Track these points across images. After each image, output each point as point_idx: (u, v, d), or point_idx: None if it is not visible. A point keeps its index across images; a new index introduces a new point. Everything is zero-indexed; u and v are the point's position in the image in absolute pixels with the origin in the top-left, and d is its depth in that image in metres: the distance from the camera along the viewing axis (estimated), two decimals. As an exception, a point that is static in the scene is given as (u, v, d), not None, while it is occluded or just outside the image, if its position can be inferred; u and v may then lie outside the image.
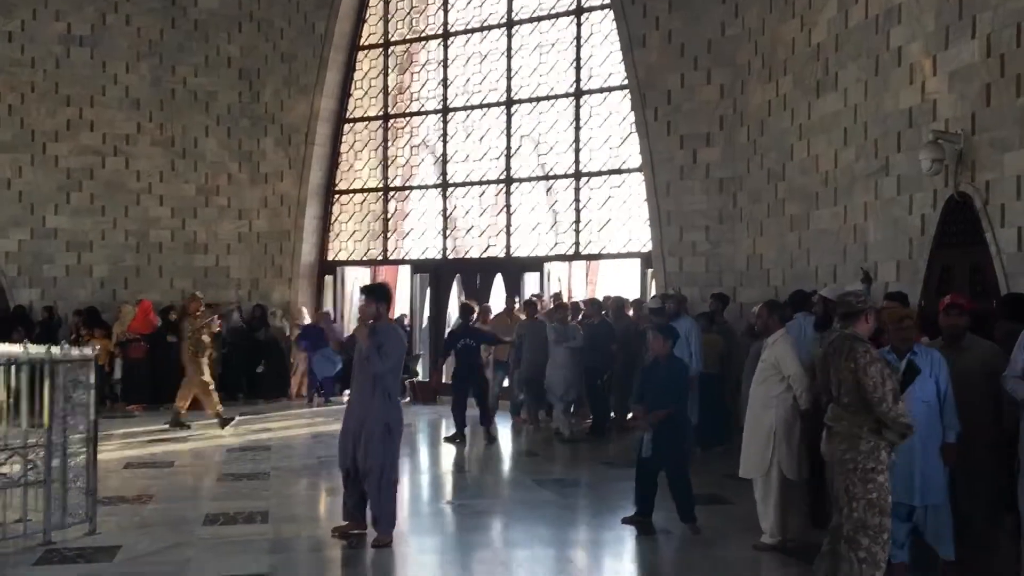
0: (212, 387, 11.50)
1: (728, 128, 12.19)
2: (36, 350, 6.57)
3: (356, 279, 16.36)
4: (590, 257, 14.43)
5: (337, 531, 6.60)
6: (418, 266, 15.55)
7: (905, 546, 5.72)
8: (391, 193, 15.80)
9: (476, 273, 14.92)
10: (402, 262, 15.95)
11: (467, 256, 15.10)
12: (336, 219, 16.07)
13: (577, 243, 13.83)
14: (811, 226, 10.33)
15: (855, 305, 5.07)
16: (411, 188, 15.89)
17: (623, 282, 15.02)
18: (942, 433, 5.55)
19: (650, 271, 13.07)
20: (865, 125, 9.25)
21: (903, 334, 5.57)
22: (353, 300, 16.09)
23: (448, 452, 10.72)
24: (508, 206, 14.52)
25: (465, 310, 11.76)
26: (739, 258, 12.03)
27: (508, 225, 14.52)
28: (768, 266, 11.33)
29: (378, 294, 6.64)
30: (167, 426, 11.39)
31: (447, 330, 12.99)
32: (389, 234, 15.79)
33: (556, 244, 14.16)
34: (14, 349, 6.98)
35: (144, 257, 15.63)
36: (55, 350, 6.56)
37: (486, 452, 10.62)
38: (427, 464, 10.40)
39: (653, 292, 12.68)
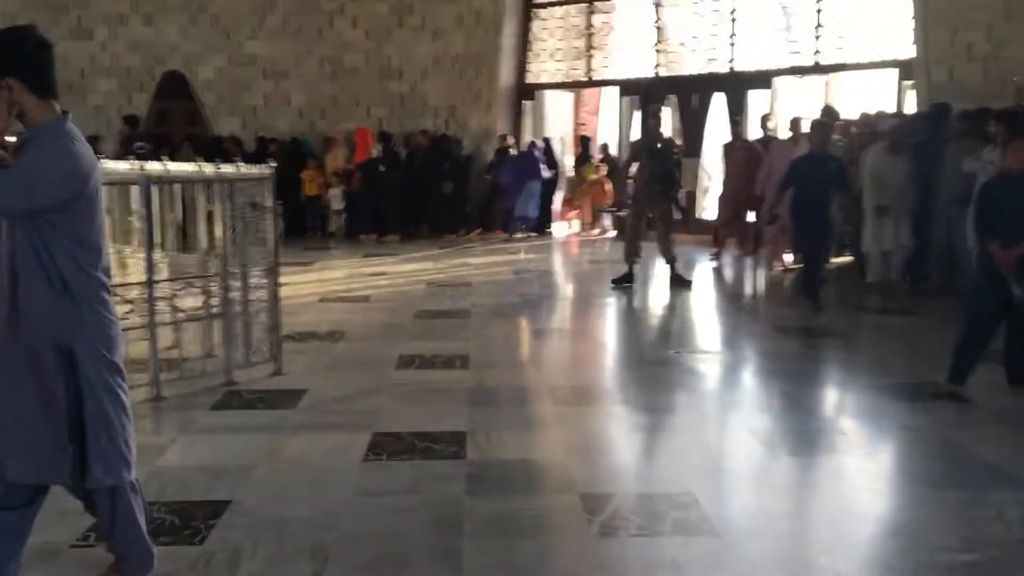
0: None
1: None
2: (209, 168, 5.81)
3: (557, 103, 15.02)
4: (830, 69, 12.24)
5: None
6: (627, 87, 13.95)
7: None
8: (595, 5, 14.09)
9: (692, 92, 13.16)
10: (609, 83, 14.39)
11: (682, 74, 13.32)
12: (536, 37, 14.62)
13: (818, 51, 11.73)
14: None
15: None
16: (618, -2, 14.10)
17: (868, 101, 12.80)
18: None
19: (909, 83, 10.88)
20: None
21: None
22: (551, 126, 14.83)
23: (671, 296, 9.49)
24: (732, 12, 12.53)
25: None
26: (1029, 61, 9.65)
27: (731, 35, 12.57)
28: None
29: None
30: None
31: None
32: (593, 52, 14.21)
33: (789, 55, 12.11)
34: (187, 167, 6.32)
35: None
36: (226, 168, 5.82)
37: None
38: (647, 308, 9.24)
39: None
